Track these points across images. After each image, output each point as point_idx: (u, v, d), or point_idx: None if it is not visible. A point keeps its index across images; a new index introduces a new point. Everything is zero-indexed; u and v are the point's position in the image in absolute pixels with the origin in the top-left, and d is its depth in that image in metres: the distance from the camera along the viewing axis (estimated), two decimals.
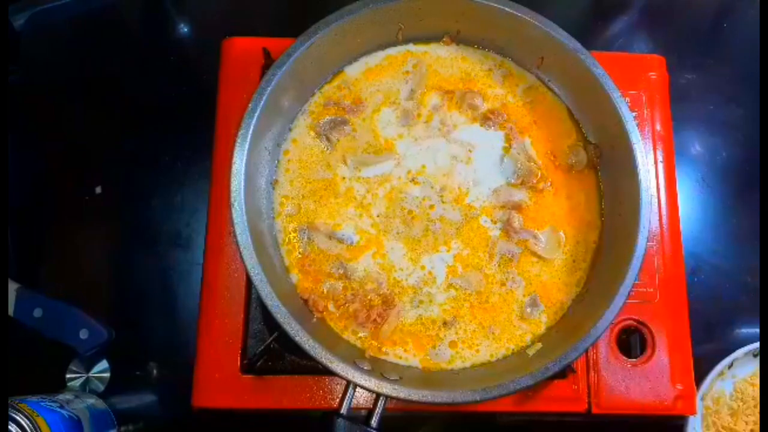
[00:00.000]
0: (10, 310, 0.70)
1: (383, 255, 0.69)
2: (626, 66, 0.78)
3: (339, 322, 0.67)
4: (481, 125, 0.73)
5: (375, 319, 0.66)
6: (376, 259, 0.69)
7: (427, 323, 0.67)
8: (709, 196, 0.86)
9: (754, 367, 0.76)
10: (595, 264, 0.70)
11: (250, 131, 0.64)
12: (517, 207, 0.71)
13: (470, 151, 0.73)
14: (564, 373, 0.68)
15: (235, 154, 0.63)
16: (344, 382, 0.61)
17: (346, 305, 0.67)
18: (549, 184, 0.72)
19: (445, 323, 0.67)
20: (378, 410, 0.59)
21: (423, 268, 0.69)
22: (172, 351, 0.76)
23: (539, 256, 0.70)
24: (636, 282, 0.63)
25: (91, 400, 0.71)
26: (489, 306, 0.68)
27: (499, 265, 0.69)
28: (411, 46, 0.76)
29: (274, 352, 0.70)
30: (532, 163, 0.72)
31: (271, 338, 0.67)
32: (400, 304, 0.67)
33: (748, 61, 0.90)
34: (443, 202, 0.71)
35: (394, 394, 0.58)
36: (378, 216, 0.70)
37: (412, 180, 0.71)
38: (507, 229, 0.70)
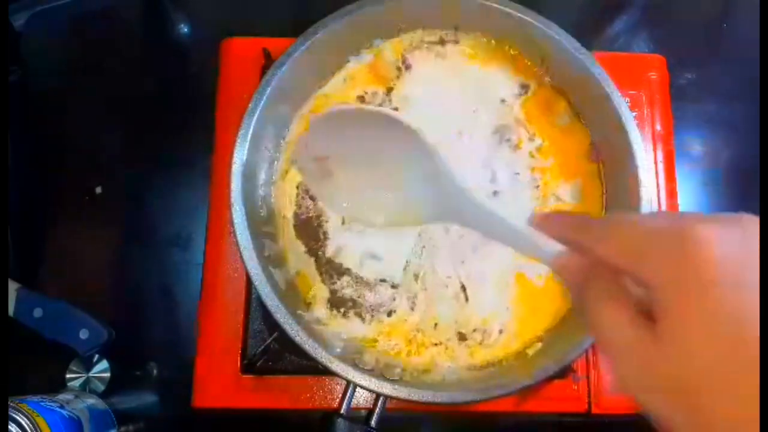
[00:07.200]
0: (10, 310, 0.70)
1: (384, 256, 0.68)
2: (626, 66, 0.78)
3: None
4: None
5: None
6: (377, 259, 0.68)
7: (429, 329, 0.67)
8: (709, 196, 0.85)
9: None
10: None
11: (250, 131, 0.64)
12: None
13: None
14: (564, 373, 0.68)
15: (235, 154, 0.63)
16: (344, 382, 0.61)
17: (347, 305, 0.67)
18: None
19: (447, 329, 0.67)
20: (378, 410, 0.59)
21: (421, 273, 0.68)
22: (172, 351, 0.76)
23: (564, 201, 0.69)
24: None
25: (91, 400, 0.71)
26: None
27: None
28: None
29: (274, 352, 0.70)
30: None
31: (271, 338, 0.67)
32: (402, 306, 0.67)
33: (748, 61, 0.90)
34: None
35: (394, 394, 0.58)
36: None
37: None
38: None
